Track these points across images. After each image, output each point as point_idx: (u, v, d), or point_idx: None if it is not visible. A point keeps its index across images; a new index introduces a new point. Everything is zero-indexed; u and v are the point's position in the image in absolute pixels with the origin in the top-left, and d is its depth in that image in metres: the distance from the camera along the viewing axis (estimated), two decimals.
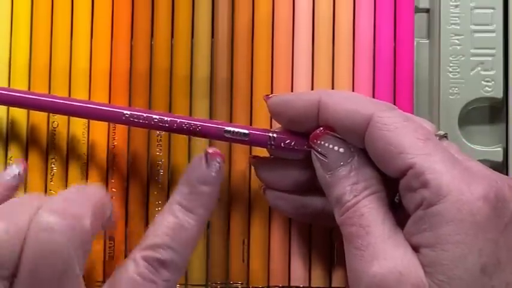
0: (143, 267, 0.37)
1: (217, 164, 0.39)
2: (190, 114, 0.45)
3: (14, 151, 0.44)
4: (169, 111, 0.45)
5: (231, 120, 0.45)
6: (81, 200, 0.37)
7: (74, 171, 0.44)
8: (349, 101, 0.38)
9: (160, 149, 0.44)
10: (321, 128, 0.39)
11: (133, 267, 0.37)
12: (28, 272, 0.34)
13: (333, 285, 0.44)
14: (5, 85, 0.44)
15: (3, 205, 0.37)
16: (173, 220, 0.38)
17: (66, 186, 0.44)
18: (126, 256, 0.44)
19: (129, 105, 0.45)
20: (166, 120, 0.41)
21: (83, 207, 0.36)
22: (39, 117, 0.44)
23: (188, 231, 0.38)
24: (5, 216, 0.35)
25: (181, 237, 0.38)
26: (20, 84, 0.44)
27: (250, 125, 0.45)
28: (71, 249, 0.34)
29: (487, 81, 0.45)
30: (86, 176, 0.44)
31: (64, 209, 0.35)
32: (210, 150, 0.39)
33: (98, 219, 0.37)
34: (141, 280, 0.37)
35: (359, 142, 0.38)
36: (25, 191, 0.44)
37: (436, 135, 0.39)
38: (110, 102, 0.44)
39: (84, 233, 0.35)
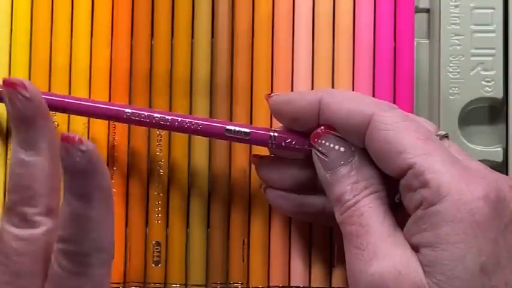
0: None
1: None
2: (191, 113, 0.45)
3: None
4: (170, 110, 0.44)
5: (231, 119, 0.45)
6: None
7: None
8: (350, 100, 0.38)
9: (161, 149, 0.44)
10: (322, 127, 0.39)
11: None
12: None
13: (333, 285, 0.44)
14: None
15: None
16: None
17: None
18: (125, 256, 0.44)
19: (130, 104, 0.45)
20: (168, 119, 0.41)
21: None
22: None
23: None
24: None
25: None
26: None
27: (251, 124, 0.45)
28: None
29: (487, 81, 0.45)
30: None
31: None
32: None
33: None
34: None
35: (360, 141, 0.38)
36: None
37: (437, 135, 0.39)
38: (110, 101, 0.44)
39: None
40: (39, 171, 0.37)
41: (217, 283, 0.44)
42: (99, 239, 0.36)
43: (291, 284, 0.44)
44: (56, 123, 0.44)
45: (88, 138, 0.44)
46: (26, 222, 0.37)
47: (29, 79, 0.44)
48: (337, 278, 0.44)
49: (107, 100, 0.44)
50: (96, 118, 0.42)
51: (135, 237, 0.44)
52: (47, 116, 0.39)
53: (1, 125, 0.44)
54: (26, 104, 0.38)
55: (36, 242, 0.37)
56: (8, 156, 0.44)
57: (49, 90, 0.44)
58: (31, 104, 0.38)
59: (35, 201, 0.37)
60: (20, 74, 0.44)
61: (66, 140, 0.35)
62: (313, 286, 0.44)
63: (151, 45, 0.45)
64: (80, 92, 0.44)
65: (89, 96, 0.45)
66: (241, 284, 0.44)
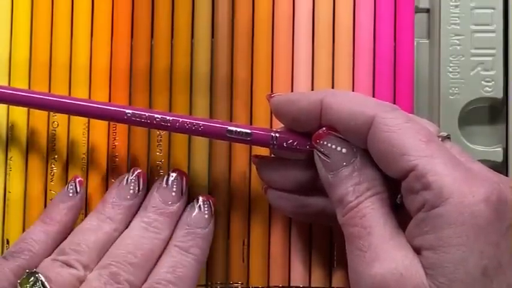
0: None
1: (209, 208, 0.43)
2: (191, 113, 0.45)
3: (14, 151, 0.44)
4: (170, 109, 0.44)
5: (231, 119, 0.45)
6: None
7: (74, 171, 0.44)
8: (352, 101, 0.38)
9: (161, 150, 0.44)
10: (324, 128, 0.39)
11: None
12: None
13: (333, 286, 0.44)
14: (6, 82, 0.44)
15: None
16: (172, 259, 0.41)
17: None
18: None
19: (130, 102, 0.44)
20: (168, 120, 0.41)
21: None
22: (40, 118, 0.44)
23: (186, 269, 0.40)
24: None
25: (180, 274, 0.40)
26: (20, 82, 0.44)
27: (251, 123, 0.45)
28: None
29: (487, 81, 0.45)
30: (86, 176, 0.44)
31: None
32: (202, 197, 0.43)
33: None
34: None
35: (362, 143, 0.38)
36: (25, 190, 0.44)
37: (439, 136, 0.39)
38: (110, 99, 0.44)
39: None
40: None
41: (217, 283, 0.44)
42: None
43: (291, 284, 0.44)
44: (56, 123, 0.44)
45: (88, 139, 0.44)
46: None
47: (29, 78, 0.44)
48: (337, 278, 0.44)
49: (107, 99, 0.44)
50: (96, 119, 0.42)
51: None
52: None
53: (2, 126, 0.44)
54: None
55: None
56: (8, 157, 0.44)
57: (49, 89, 0.44)
58: None
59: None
60: (20, 74, 0.44)
61: (205, 198, 0.43)
62: (313, 286, 0.44)
63: (152, 45, 0.45)
64: (80, 91, 0.44)
65: (89, 95, 0.44)
66: (241, 284, 0.44)
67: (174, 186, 0.42)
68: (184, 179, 0.43)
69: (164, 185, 0.42)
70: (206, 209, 0.42)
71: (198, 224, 0.42)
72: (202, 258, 0.42)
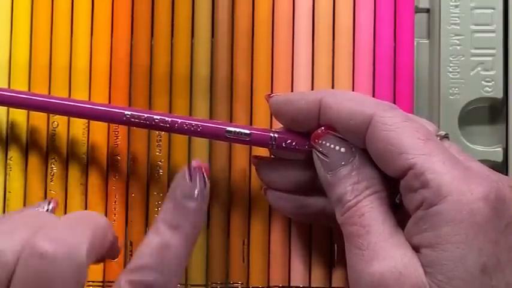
0: None
1: (202, 177, 0.37)
2: (191, 114, 0.45)
3: (14, 151, 0.44)
4: (170, 110, 0.45)
5: (231, 120, 0.45)
6: (81, 229, 0.35)
7: (74, 171, 0.44)
8: (350, 101, 0.38)
9: (160, 149, 0.44)
10: (322, 128, 0.39)
11: None
12: None
13: (333, 285, 0.44)
14: (5, 84, 0.44)
15: (3, 222, 0.35)
16: (157, 239, 0.36)
17: (66, 186, 0.44)
18: (125, 257, 0.44)
19: (129, 104, 0.45)
20: (168, 121, 0.41)
21: (82, 237, 0.34)
22: (39, 117, 0.44)
23: (173, 250, 0.36)
24: (2, 235, 0.34)
25: (166, 257, 0.36)
26: (20, 84, 0.44)
27: (251, 124, 0.45)
28: (64, 280, 0.33)
29: (487, 81, 0.45)
30: (86, 176, 0.44)
31: (60, 237, 0.34)
32: (194, 164, 0.37)
33: (96, 248, 0.35)
34: None
35: (360, 142, 0.38)
36: (25, 190, 0.44)
37: (437, 135, 0.39)
38: (110, 101, 0.45)
39: (79, 263, 0.33)
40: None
41: (217, 283, 0.44)
42: (180, 271, 0.36)
43: (291, 284, 0.44)
44: (56, 123, 0.44)
45: (88, 139, 0.44)
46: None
47: (29, 79, 0.45)
48: (337, 278, 0.44)
49: (107, 101, 0.45)
50: (96, 120, 0.42)
51: (136, 237, 0.44)
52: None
53: (1, 127, 0.44)
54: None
55: None
56: (8, 156, 0.44)
57: (49, 90, 0.44)
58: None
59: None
60: (20, 75, 0.44)
61: (197, 167, 0.37)
62: (313, 286, 0.44)
63: (151, 45, 0.45)
64: (80, 92, 0.44)
65: (89, 96, 0.45)
66: (241, 284, 0.44)
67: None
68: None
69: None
70: (198, 178, 0.37)
71: (189, 196, 0.37)
72: (194, 236, 0.37)
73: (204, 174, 0.37)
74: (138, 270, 0.35)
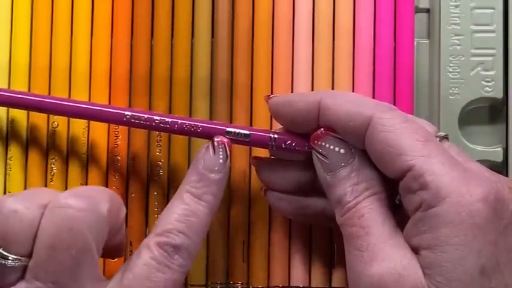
0: (157, 252, 0.37)
1: (224, 152, 0.40)
2: (191, 115, 0.45)
3: (14, 151, 0.44)
4: (170, 111, 0.45)
5: (231, 121, 0.45)
6: (101, 194, 0.38)
7: (74, 171, 0.44)
8: (349, 102, 0.38)
9: (160, 149, 0.44)
10: (322, 129, 0.39)
11: (147, 253, 0.37)
12: (44, 249, 0.35)
13: (333, 286, 0.44)
14: (5, 85, 0.44)
15: (25, 191, 0.40)
16: (184, 207, 0.38)
17: (66, 186, 0.44)
18: (125, 257, 0.44)
19: (129, 105, 0.45)
20: (168, 121, 0.41)
21: (103, 198, 0.37)
22: (39, 117, 0.44)
23: (199, 218, 0.38)
24: (27, 197, 0.37)
25: (193, 223, 0.38)
26: (20, 85, 0.44)
27: (250, 125, 0.45)
28: (88, 229, 0.36)
29: (487, 81, 0.45)
30: (86, 176, 0.44)
31: (83, 194, 0.37)
32: (217, 139, 0.40)
33: (113, 216, 0.38)
34: (155, 264, 0.37)
35: (360, 143, 0.38)
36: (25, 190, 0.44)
37: (437, 136, 0.39)
38: (110, 102, 0.45)
39: (101, 217, 0.37)
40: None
41: (218, 283, 0.44)
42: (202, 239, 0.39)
43: (291, 284, 0.45)
44: (56, 123, 0.44)
45: (88, 139, 0.44)
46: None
47: (29, 81, 0.45)
48: (337, 278, 0.44)
49: (108, 100, 0.45)
50: (96, 121, 0.42)
51: (136, 237, 0.44)
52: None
53: (1, 127, 0.44)
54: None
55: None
56: (8, 156, 0.44)
57: (49, 91, 0.44)
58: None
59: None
60: (20, 76, 0.44)
61: (220, 141, 0.40)
62: (313, 286, 0.44)
63: (151, 46, 0.45)
64: (80, 93, 0.44)
65: (89, 97, 0.45)
66: (242, 284, 0.44)
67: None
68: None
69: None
70: (221, 152, 0.39)
71: (212, 168, 0.39)
72: (216, 206, 0.39)
73: (227, 148, 0.39)
74: (166, 233, 0.38)
